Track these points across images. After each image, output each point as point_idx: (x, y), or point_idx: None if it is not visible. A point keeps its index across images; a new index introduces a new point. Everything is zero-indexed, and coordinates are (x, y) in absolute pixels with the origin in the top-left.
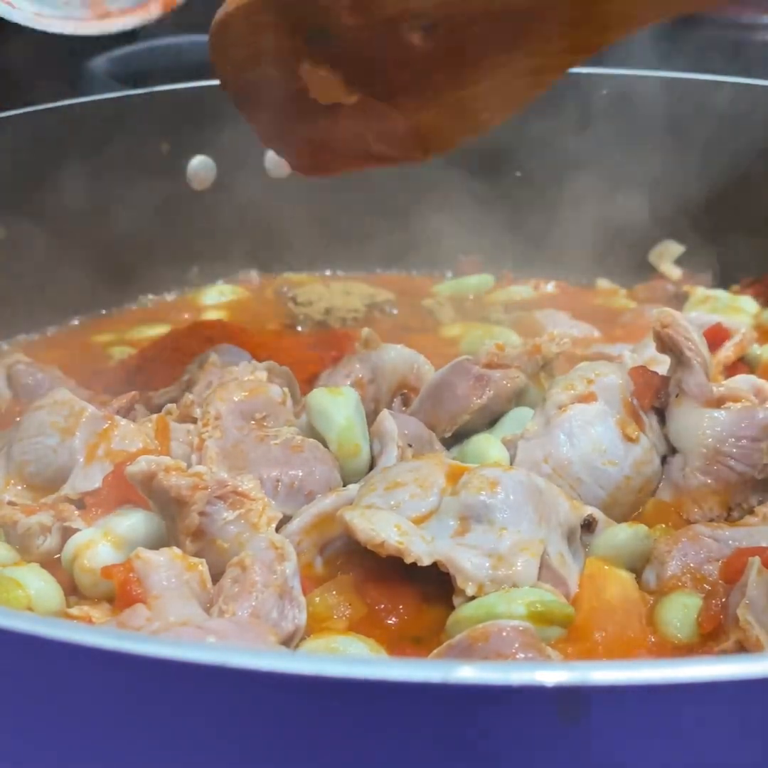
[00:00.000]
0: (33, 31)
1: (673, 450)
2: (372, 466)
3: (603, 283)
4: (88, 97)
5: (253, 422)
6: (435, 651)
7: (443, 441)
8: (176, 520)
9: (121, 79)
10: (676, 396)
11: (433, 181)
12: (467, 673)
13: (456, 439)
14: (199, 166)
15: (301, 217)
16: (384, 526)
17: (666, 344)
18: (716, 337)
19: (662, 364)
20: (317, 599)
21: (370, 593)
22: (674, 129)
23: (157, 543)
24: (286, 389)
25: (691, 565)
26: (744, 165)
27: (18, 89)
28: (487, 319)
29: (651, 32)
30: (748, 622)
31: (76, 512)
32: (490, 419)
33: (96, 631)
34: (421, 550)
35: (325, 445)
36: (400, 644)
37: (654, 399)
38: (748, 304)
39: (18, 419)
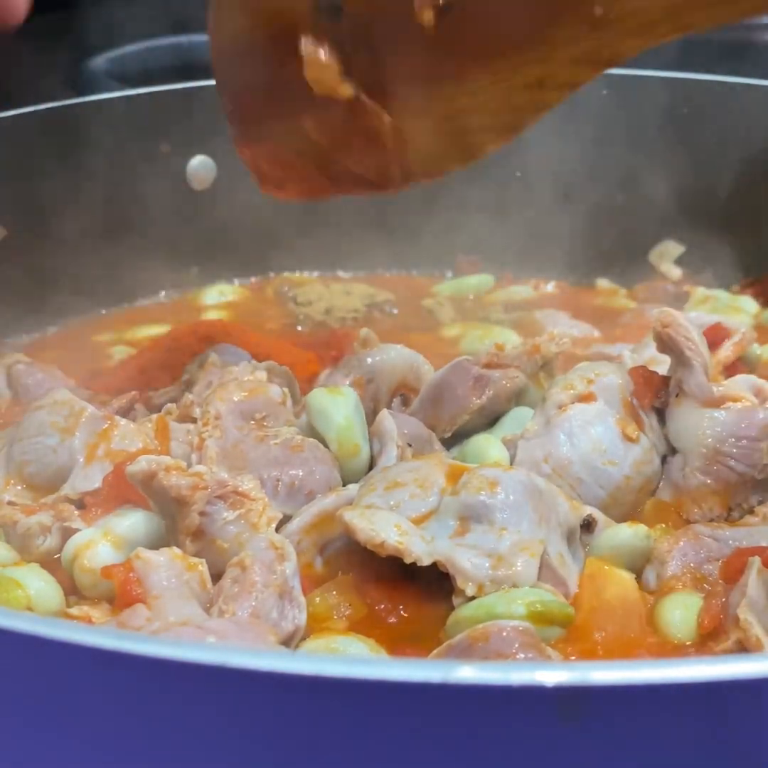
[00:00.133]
0: (32, 31)
1: (673, 450)
2: (372, 465)
3: (603, 283)
4: (87, 97)
5: (253, 422)
6: (435, 651)
7: (443, 441)
8: (176, 520)
9: (120, 79)
10: (676, 396)
11: (434, 181)
12: (467, 673)
13: (456, 439)
14: (199, 165)
15: (301, 217)
16: (384, 525)
17: (666, 344)
18: (716, 337)
19: (662, 364)
20: (317, 599)
21: (370, 593)
22: (674, 129)
23: (157, 543)
24: (285, 389)
25: (691, 565)
26: (744, 165)
27: (18, 89)
28: (487, 319)
29: None
30: (748, 621)
31: (76, 512)
32: (490, 419)
33: (96, 631)
34: (420, 550)
35: (325, 445)
36: (400, 644)
37: (654, 399)
38: (747, 304)
39: (18, 420)
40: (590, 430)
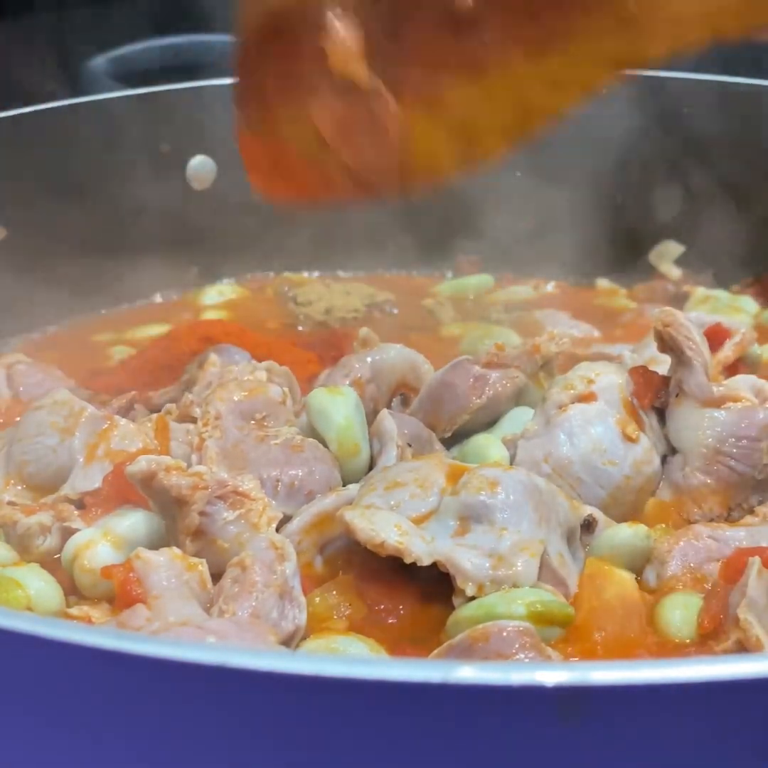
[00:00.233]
0: (33, 30)
1: (673, 450)
2: (372, 465)
3: (603, 283)
4: (87, 97)
5: (253, 422)
6: (435, 651)
7: (443, 441)
8: (176, 520)
9: (120, 79)
10: (677, 396)
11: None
12: (467, 673)
13: (456, 439)
14: (199, 165)
15: (301, 217)
16: (384, 525)
17: (667, 343)
18: (716, 337)
19: (662, 364)
20: (317, 599)
21: (371, 593)
22: (675, 129)
23: (157, 543)
24: (285, 389)
25: (692, 564)
26: (744, 165)
27: (18, 89)
28: (487, 319)
29: None
30: (749, 621)
31: (76, 512)
32: (490, 419)
33: (96, 631)
34: (421, 550)
35: (325, 445)
36: (400, 644)
37: (654, 399)
38: (748, 304)
39: (18, 419)
40: (590, 430)
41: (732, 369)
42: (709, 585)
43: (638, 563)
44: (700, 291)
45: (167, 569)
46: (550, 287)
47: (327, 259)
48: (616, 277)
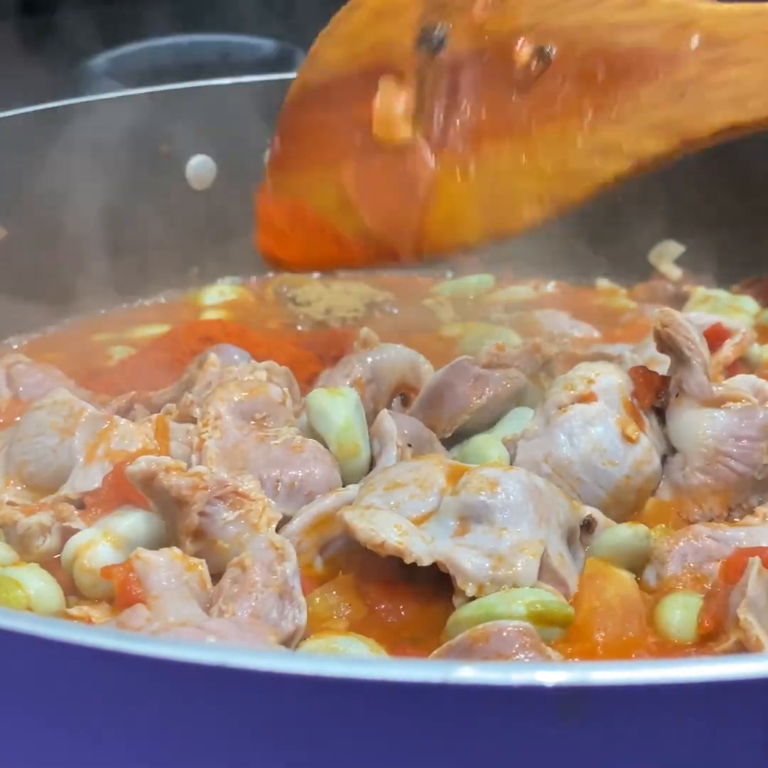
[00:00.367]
0: (33, 31)
1: (673, 450)
2: (372, 466)
3: (603, 283)
4: (87, 96)
5: (252, 422)
6: (435, 651)
7: (443, 441)
8: (176, 520)
9: (121, 79)
10: (676, 396)
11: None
12: (467, 673)
13: (456, 439)
14: (199, 165)
15: None
16: (384, 526)
17: (666, 344)
18: (716, 337)
19: (662, 364)
20: (317, 599)
21: (371, 593)
22: None
23: (157, 543)
24: (285, 389)
25: (691, 565)
26: (744, 165)
27: (18, 89)
28: (488, 319)
29: None
30: (749, 622)
31: (76, 512)
32: (490, 419)
33: (95, 631)
34: (421, 550)
35: (325, 446)
36: (401, 644)
37: (654, 399)
38: (748, 304)
39: (18, 419)
40: (590, 430)
41: (732, 369)
42: (709, 585)
43: (638, 563)
44: (700, 291)
45: (167, 569)
46: (550, 287)
47: None
48: (616, 277)
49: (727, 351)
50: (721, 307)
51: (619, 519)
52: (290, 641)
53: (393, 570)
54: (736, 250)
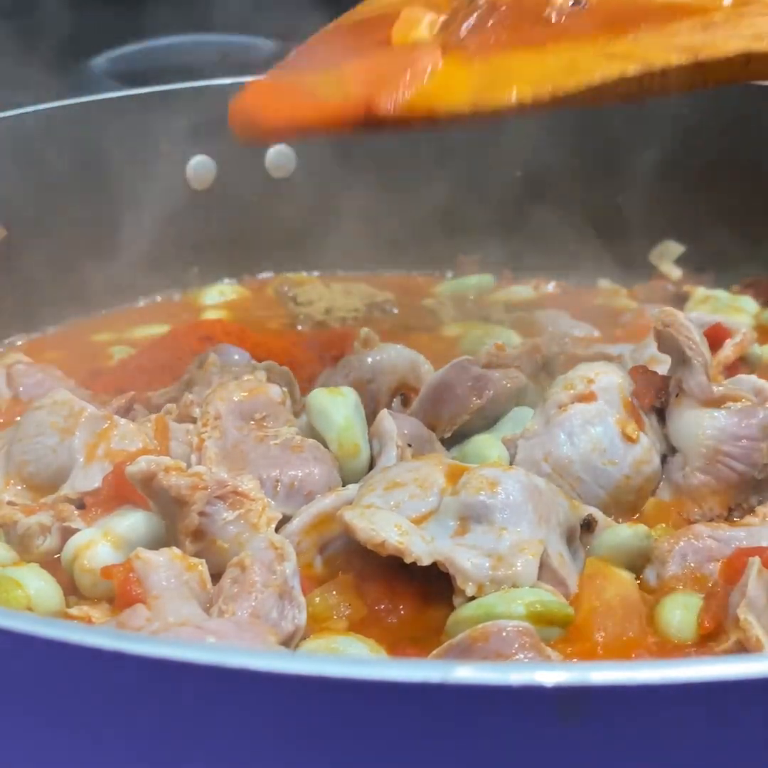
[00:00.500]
0: (33, 30)
1: (673, 450)
2: (372, 466)
3: (604, 283)
4: (88, 96)
5: (252, 422)
6: (435, 651)
7: (443, 441)
8: (176, 520)
9: (121, 79)
10: (677, 395)
11: (433, 181)
12: (466, 673)
13: (456, 439)
14: (199, 165)
15: (301, 216)
16: (384, 525)
17: (667, 343)
18: (716, 337)
19: (663, 364)
20: (317, 599)
21: (371, 593)
22: (676, 129)
23: (156, 543)
24: (285, 389)
25: (692, 565)
26: (745, 165)
27: (18, 89)
28: (488, 319)
29: None
30: (748, 622)
31: (76, 512)
32: (490, 419)
33: (94, 631)
34: (421, 550)
35: (325, 445)
36: (400, 644)
37: (654, 399)
38: (748, 304)
39: (18, 419)
40: (590, 429)
41: (732, 369)
42: (710, 585)
43: (638, 563)
44: (700, 291)
45: (167, 569)
46: (551, 287)
47: (328, 259)
48: (617, 276)
49: (728, 351)
50: (721, 307)
51: (619, 519)
52: (290, 641)
53: (393, 570)
54: (736, 250)
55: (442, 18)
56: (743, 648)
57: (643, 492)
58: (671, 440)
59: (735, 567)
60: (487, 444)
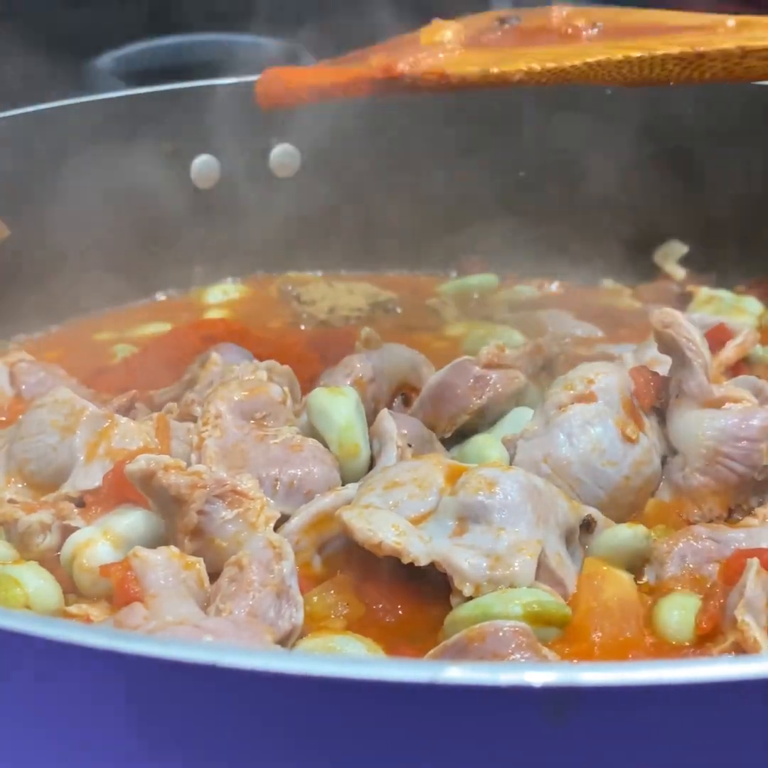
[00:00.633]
0: (38, 29)
1: (673, 450)
2: (372, 465)
3: (607, 283)
4: (93, 95)
5: (253, 421)
6: (431, 651)
7: (444, 441)
8: (175, 518)
9: (126, 78)
10: (677, 396)
11: (438, 181)
12: (456, 673)
13: (456, 439)
14: (203, 165)
15: (305, 216)
16: (381, 525)
17: (667, 344)
18: (719, 337)
19: (665, 365)
20: (315, 598)
21: (369, 593)
22: (679, 129)
23: (156, 542)
24: (286, 388)
25: (691, 565)
26: (749, 165)
27: (23, 88)
28: (491, 318)
29: None
30: (746, 623)
31: (76, 510)
32: (490, 419)
33: (85, 630)
34: (418, 550)
35: (325, 445)
36: (398, 644)
37: (654, 399)
38: (752, 304)
39: (21, 418)
40: (590, 430)
41: (734, 370)
42: (708, 586)
43: (637, 564)
44: (704, 291)
45: (165, 568)
46: (555, 287)
47: (331, 259)
48: (621, 277)
49: (730, 352)
50: (725, 308)
51: (619, 519)
52: (287, 640)
53: (391, 569)
54: (741, 251)
55: (470, 33)
56: (741, 649)
57: (643, 493)
58: (671, 441)
59: (734, 568)
60: (486, 444)
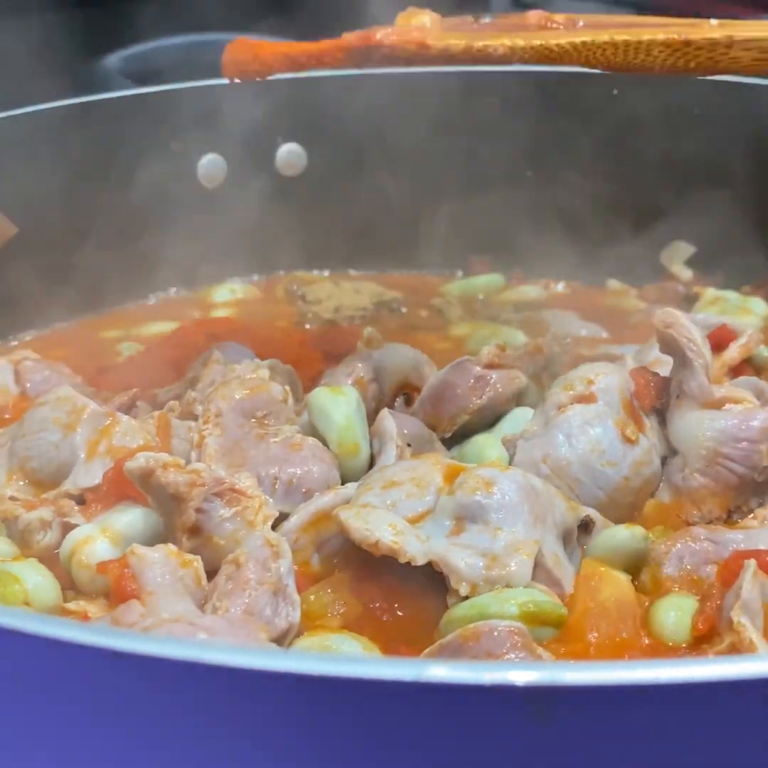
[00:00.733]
0: (47, 29)
1: (673, 451)
2: (372, 465)
3: (613, 284)
4: (100, 94)
5: (253, 420)
6: (426, 650)
7: (444, 441)
8: (174, 516)
9: (133, 77)
10: (678, 397)
11: (444, 181)
12: (439, 671)
13: (457, 439)
14: (210, 164)
15: (311, 215)
16: (378, 525)
17: (668, 344)
18: (722, 338)
19: (667, 365)
20: (312, 597)
21: (366, 592)
22: (686, 129)
23: (155, 540)
24: (287, 387)
25: (688, 566)
26: (756, 165)
27: (31, 87)
28: (496, 318)
29: None
30: (742, 624)
31: (76, 508)
32: (490, 420)
33: (70, 626)
34: (415, 549)
35: (326, 444)
36: (395, 643)
37: (655, 400)
38: (758, 305)
39: (24, 415)
40: (589, 430)
41: (738, 370)
42: (706, 587)
43: (635, 564)
44: (710, 292)
45: (162, 566)
46: (561, 287)
47: (338, 258)
48: (627, 277)
49: (733, 352)
50: (730, 309)
51: (618, 520)
52: (283, 638)
53: (389, 569)
54: (747, 252)
55: (446, 25)
56: (737, 651)
57: (642, 493)
58: (671, 442)
59: (732, 569)
60: (486, 444)
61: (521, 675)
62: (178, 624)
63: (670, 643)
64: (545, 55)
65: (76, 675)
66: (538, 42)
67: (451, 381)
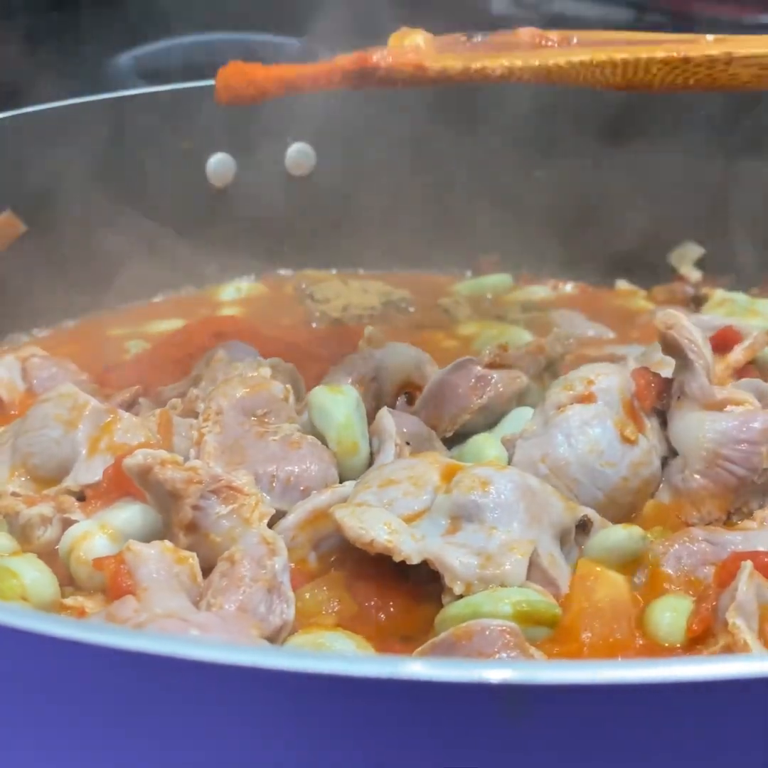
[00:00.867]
0: (60, 28)
1: (674, 452)
2: (372, 463)
3: (622, 285)
4: (111, 93)
5: (254, 418)
6: (419, 648)
7: (445, 440)
8: (171, 513)
9: (145, 77)
10: (679, 398)
11: (453, 181)
12: (415, 668)
13: (458, 438)
14: (219, 163)
15: (320, 214)
16: (373, 523)
17: (670, 345)
18: (728, 340)
19: (671, 367)
20: (307, 595)
21: (361, 590)
22: (692, 130)
23: (153, 536)
24: (288, 386)
25: (686, 567)
26: (765, 166)
27: (43, 85)
28: (504, 318)
29: None
30: (737, 626)
31: (77, 504)
32: (491, 419)
33: (57, 621)
34: (410, 548)
35: (325, 443)
36: (389, 642)
37: (656, 401)
38: (766, 307)
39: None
40: (588, 431)
41: (742, 372)
42: (703, 588)
43: (632, 565)
44: (718, 294)
45: (157, 562)
46: (569, 288)
47: (347, 257)
48: (636, 278)
49: (738, 354)
50: (738, 310)
51: (617, 520)
52: (277, 635)
53: (385, 567)
54: (757, 253)
55: (438, 44)
56: (731, 652)
57: (641, 494)
58: (672, 442)
59: (729, 571)
60: (485, 444)
61: (496, 673)
62: (171, 620)
63: (665, 644)
64: (543, 75)
65: (62, 670)
66: (536, 62)
67: (452, 381)
